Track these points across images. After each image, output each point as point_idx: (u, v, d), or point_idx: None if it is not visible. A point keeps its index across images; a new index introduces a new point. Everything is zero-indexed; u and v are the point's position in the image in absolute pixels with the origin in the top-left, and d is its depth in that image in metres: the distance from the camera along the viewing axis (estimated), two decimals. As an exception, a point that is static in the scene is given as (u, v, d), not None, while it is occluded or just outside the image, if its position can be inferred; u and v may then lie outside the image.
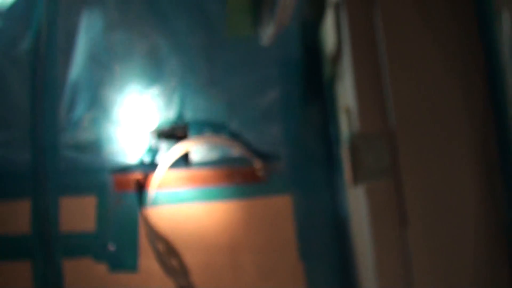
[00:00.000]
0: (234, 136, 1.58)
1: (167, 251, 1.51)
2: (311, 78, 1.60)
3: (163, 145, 1.60)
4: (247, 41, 1.61)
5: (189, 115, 1.59)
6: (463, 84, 1.24)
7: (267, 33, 1.42)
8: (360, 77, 1.29)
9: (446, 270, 1.17)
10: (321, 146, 1.58)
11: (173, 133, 1.60)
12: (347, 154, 1.26)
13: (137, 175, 1.56)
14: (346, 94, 1.36)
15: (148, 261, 1.52)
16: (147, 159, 1.59)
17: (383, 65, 1.26)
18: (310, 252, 1.54)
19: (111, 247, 1.52)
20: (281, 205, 1.57)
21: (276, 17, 1.23)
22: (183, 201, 1.57)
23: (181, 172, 1.57)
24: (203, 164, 1.58)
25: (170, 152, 1.55)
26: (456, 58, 1.26)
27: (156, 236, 1.49)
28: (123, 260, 1.53)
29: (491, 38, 1.16)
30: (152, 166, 1.57)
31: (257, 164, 1.54)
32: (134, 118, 1.58)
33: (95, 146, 1.58)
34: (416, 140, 1.22)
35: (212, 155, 1.60)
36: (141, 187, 1.55)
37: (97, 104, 1.58)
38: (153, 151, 1.59)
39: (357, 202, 1.33)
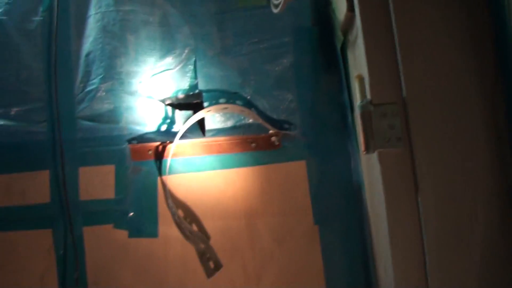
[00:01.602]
0: (248, 104, 1.69)
1: (186, 217, 1.64)
2: (324, 46, 1.70)
3: (179, 114, 1.72)
4: (258, 9, 1.72)
5: (203, 84, 1.71)
6: (473, 53, 1.31)
7: (278, 1, 1.50)
8: (372, 45, 1.36)
9: (456, 233, 1.27)
10: (335, 113, 1.69)
11: (188, 102, 1.72)
12: (360, 122, 1.35)
13: (154, 144, 1.69)
14: (358, 62, 1.46)
15: (167, 227, 1.67)
16: (163, 128, 1.72)
17: (394, 33, 1.33)
18: (325, 216, 1.66)
19: (131, 214, 1.66)
20: (296, 171, 1.68)
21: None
22: (199, 168, 1.70)
23: (197, 141, 1.69)
24: (218, 132, 1.71)
25: (185, 121, 1.68)
26: (466, 25, 1.33)
27: (175, 202, 1.63)
28: (143, 226, 1.67)
29: (500, 7, 1.23)
30: (169, 134, 1.71)
31: (272, 131, 1.65)
32: (149, 88, 1.71)
33: (112, 116, 1.72)
34: (427, 107, 1.30)
35: (227, 123, 1.72)
36: (158, 155, 1.68)
37: (112, 74, 1.72)
38: (169, 120, 1.72)
39: (370, 167, 1.46)
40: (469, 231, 1.26)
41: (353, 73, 1.56)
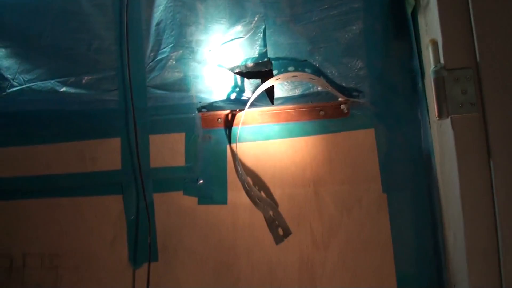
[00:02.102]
0: (317, 72, 1.72)
1: (255, 185, 1.71)
2: (394, 11, 1.71)
3: (247, 83, 1.78)
4: (328, -24, 1.70)
5: (272, 52, 1.74)
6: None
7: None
8: (445, 9, 1.42)
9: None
10: (405, 80, 1.70)
11: (257, 70, 1.76)
12: (433, 88, 1.41)
13: (224, 112, 1.75)
14: (430, 27, 1.50)
15: (236, 194, 1.74)
16: (232, 96, 1.78)
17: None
18: (394, 184, 1.70)
19: (201, 182, 1.72)
20: (365, 139, 1.72)
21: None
22: (268, 137, 1.76)
23: (266, 109, 1.74)
24: (286, 100, 1.75)
25: (254, 89, 1.74)
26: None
27: (244, 170, 1.68)
28: (213, 193, 1.75)
29: None
30: (238, 103, 1.78)
31: (341, 99, 1.69)
32: (218, 56, 1.77)
33: (182, 85, 1.79)
34: (501, 72, 1.36)
35: (295, 91, 1.76)
36: (227, 124, 1.75)
37: (183, 43, 1.79)
38: (238, 89, 1.78)
39: (442, 134, 1.50)
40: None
41: (424, 38, 1.60)
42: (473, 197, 1.35)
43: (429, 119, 1.64)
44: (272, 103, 1.76)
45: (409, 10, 1.66)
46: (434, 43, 1.40)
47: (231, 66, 1.79)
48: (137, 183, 1.78)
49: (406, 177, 1.72)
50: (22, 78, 1.82)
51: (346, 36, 1.75)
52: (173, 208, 1.79)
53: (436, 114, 1.37)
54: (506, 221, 1.31)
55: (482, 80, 1.34)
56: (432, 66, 1.39)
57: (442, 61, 1.37)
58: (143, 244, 1.77)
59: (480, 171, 1.35)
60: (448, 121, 1.39)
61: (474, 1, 1.37)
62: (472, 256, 1.37)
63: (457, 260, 1.48)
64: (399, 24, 1.72)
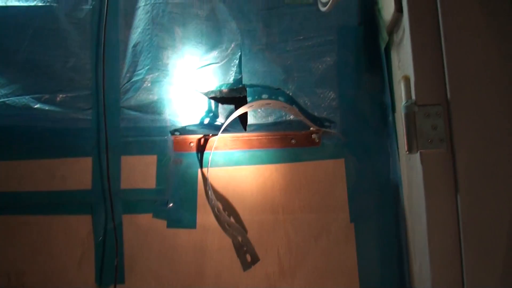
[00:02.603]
0: (290, 101, 1.72)
1: (224, 210, 1.70)
2: (368, 46, 1.73)
3: (221, 108, 1.78)
4: (305, 7, 1.77)
5: (247, 79, 1.75)
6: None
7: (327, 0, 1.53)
8: (418, 46, 1.41)
9: (494, 234, 1.32)
10: (376, 112, 1.72)
11: (231, 96, 1.76)
12: (403, 123, 1.40)
13: (196, 137, 1.74)
14: (403, 63, 1.50)
15: (205, 218, 1.73)
16: (206, 121, 1.77)
17: (441, 35, 1.38)
18: (362, 215, 1.70)
19: (171, 205, 1.71)
20: (334, 169, 1.72)
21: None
22: (238, 162, 1.75)
23: (238, 135, 1.74)
24: (259, 128, 1.75)
25: (228, 115, 1.73)
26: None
27: (214, 195, 1.67)
28: (182, 217, 1.73)
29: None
30: (211, 128, 1.76)
31: (312, 128, 1.70)
32: (193, 81, 1.76)
33: (155, 107, 1.77)
34: (470, 110, 1.35)
35: (268, 118, 1.76)
36: (199, 148, 1.74)
37: (158, 66, 1.77)
38: (212, 114, 1.77)
39: (410, 167, 1.50)
40: (507, 234, 1.30)
41: (396, 73, 1.61)
42: (439, 230, 1.35)
43: (398, 152, 1.64)
44: (245, 130, 1.75)
45: (383, 46, 1.68)
46: (407, 79, 1.41)
47: (206, 91, 1.79)
48: (106, 204, 1.75)
49: (374, 208, 1.73)
50: (-3, 92, 1.76)
51: (319, 67, 1.76)
52: (141, 230, 1.76)
53: (406, 148, 1.37)
54: (470, 254, 1.32)
55: (452, 116, 1.34)
56: (404, 101, 1.39)
57: (413, 96, 1.37)
58: (110, 266, 1.73)
59: (447, 206, 1.35)
60: (417, 156, 1.39)
61: (447, 40, 1.38)
62: (438, 287, 1.34)
63: (422, 291, 1.46)
64: (372, 58, 1.74)
